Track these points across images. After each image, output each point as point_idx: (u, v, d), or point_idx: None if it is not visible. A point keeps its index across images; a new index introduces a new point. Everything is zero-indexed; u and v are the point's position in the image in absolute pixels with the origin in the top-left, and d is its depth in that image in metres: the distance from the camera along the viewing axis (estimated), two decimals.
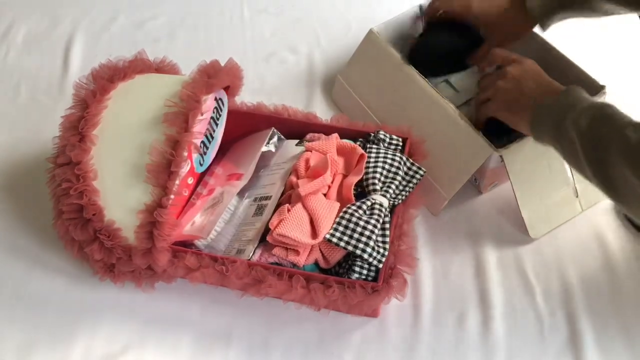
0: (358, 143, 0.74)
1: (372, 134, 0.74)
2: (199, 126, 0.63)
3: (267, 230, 0.66)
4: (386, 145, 0.73)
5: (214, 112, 0.69)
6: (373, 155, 0.70)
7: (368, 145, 0.72)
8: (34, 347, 0.69)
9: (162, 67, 0.75)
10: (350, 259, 0.65)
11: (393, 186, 0.68)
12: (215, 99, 0.70)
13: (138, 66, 0.71)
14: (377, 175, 0.68)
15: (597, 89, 0.76)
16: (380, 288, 0.63)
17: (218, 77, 0.64)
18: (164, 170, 0.59)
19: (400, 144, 0.74)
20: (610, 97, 0.76)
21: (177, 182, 0.61)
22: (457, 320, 0.70)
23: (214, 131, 0.69)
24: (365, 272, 0.64)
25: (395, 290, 0.63)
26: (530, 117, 0.65)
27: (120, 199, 0.62)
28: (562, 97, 0.62)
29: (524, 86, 0.67)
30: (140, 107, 0.64)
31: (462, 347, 0.68)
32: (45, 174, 0.68)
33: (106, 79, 0.67)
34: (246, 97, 0.82)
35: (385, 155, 0.70)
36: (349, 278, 0.64)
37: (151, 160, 0.60)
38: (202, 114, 0.63)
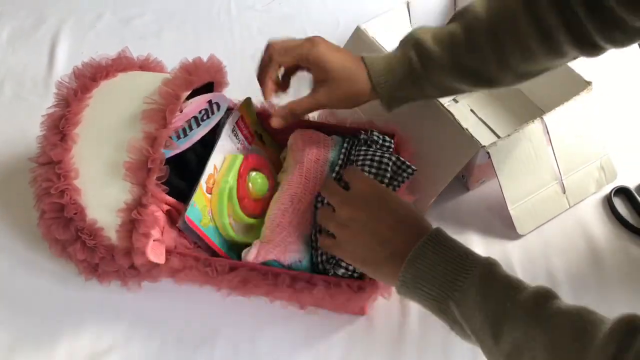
0: (347, 140, 0.74)
1: (365, 134, 0.73)
2: (177, 122, 0.62)
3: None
4: (379, 146, 0.72)
5: (199, 113, 0.68)
6: (362, 154, 0.70)
7: (357, 147, 0.72)
8: (18, 347, 0.69)
9: (147, 65, 0.74)
10: None
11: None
12: (210, 102, 0.69)
13: (121, 64, 0.70)
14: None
15: (583, 85, 0.76)
16: (366, 286, 0.62)
17: (198, 73, 0.64)
18: (142, 168, 0.59)
19: (392, 145, 0.73)
20: (595, 94, 0.76)
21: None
22: None
23: (190, 129, 0.67)
24: (352, 267, 0.64)
25: (381, 288, 0.63)
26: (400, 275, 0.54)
27: (101, 198, 0.61)
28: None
29: (368, 240, 0.57)
30: (121, 105, 0.64)
31: (450, 344, 0.68)
32: (29, 174, 0.68)
33: (88, 77, 0.67)
34: (234, 94, 0.81)
35: (374, 154, 0.69)
36: (336, 273, 0.63)
37: (129, 158, 0.59)
38: (181, 111, 0.62)
